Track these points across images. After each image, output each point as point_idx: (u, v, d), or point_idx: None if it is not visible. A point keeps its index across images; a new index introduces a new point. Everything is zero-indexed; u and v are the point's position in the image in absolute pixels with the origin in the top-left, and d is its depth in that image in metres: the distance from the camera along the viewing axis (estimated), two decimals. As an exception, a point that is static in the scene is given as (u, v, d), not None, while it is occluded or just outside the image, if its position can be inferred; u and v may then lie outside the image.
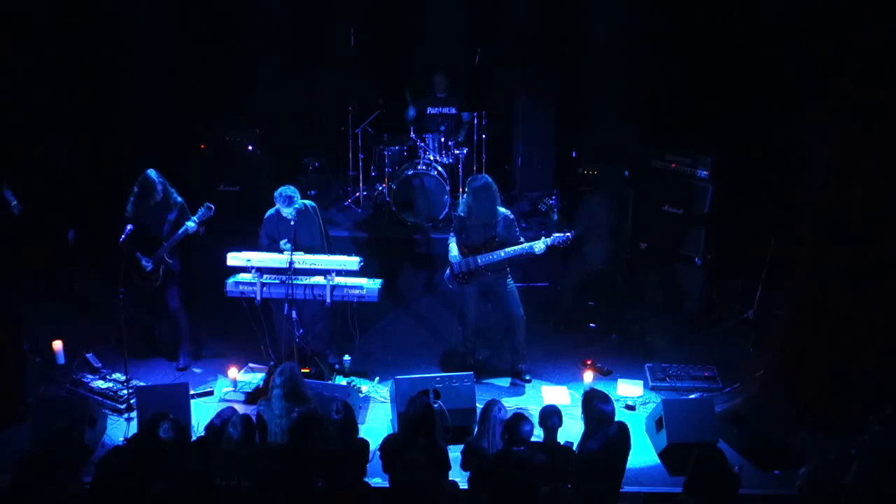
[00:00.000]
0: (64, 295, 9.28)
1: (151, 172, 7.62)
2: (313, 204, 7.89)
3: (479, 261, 7.62)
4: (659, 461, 6.85)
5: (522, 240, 7.62)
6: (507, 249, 7.54)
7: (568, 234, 7.53)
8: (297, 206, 7.56)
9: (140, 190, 7.58)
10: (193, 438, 6.54)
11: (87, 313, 8.93)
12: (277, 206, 7.57)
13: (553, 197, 9.96)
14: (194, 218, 7.65)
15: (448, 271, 7.83)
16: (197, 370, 8.14)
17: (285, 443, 5.97)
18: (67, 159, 9.52)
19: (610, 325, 8.88)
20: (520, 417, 5.84)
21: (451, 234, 7.82)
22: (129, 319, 7.68)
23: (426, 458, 5.50)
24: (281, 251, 7.49)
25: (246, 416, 5.88)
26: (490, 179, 7.65)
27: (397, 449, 5.83)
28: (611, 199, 8.74)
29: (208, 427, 6.27)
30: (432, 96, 10.21)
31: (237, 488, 5.44)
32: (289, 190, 7.56)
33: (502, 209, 7.68)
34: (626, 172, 9.49)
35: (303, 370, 7.17)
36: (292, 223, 7.55)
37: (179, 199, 7.79)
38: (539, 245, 7.48)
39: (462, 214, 7.75)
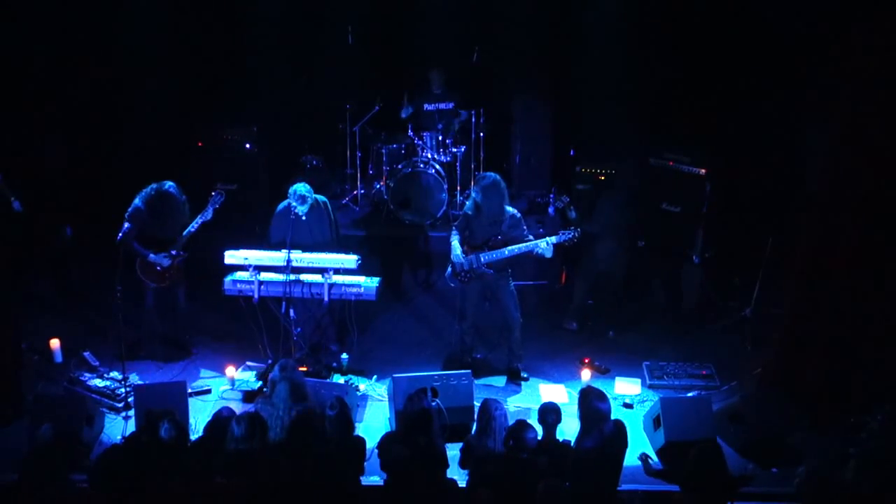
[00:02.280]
0: (61, 293, 9.27)
1: (172, 187, 7.65)
2: (324, 199, 7.94)
3: (482, 259, 7.61)
4: (657, 459, 6.85)
5: (531, 237, 7.60)
6: (510, 248, 7.53)
7: (574, 231, 7.52)
8: (310, 202, 7.63)
9: (165, 206, 7.64)
10: (192, 437, 6.55)
11: (85, 311, 8.93)
12: (290, 201, 7.60)
13: (563, 195, 9.93)
14: (209, 208, 7.70)
15: (449, 269, 7.81)
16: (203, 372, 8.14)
17: (285, 441, 5.97)
18: (65, 157, 9.51)
19: (608, 323, 8.88)
20: (523, 425, 5.84)
21: (454, 231, 7.79)
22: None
23: (422, 456, 5.52)
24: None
25: (250, 414, 5.87)
26: (498, 177, 7.62)
27: (394, 447, 5.82)
28: (626, 198, 8.77)
29: (208, 426, 6.24)
30: (429, 93, 10.20)
31: (237, 486, 5.44)
32: (303, 188, 7.62)
33: (510, 208, 7.68)
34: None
35: (301, 369, 7.17)
36: (304, 218, 7.64)
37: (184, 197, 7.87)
38: (543, 244, 7.47)
39: (469, 213, 7.73)
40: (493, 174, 7.69)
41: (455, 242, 7.69)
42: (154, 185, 7.69)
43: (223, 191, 7.76)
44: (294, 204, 7.57)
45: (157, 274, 7.86)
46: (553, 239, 7.50)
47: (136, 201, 7.68)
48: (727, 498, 5.41)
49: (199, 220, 7.71)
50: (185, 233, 7.74)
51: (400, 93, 10.32)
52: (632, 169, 9.35)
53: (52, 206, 9.12)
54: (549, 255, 7.53)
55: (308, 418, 5.85)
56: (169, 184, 7.68)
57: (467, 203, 7.91)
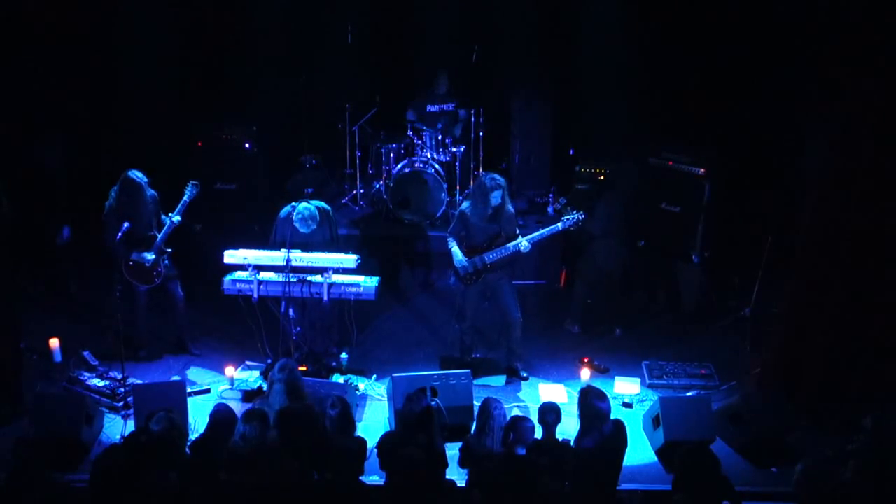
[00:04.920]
0: (60, 292, 9.27)
1: (134, 174, 7.59)
2: (327, 207, 7.86)
3: (486, 259, 7.62)
4: (656, 459, 6.85)
5: (519, 234, 7.62)
6: (513, 243, 7.54)
7: (577, 214, 7.56)
8: (313, 227, 7.57)
9: (125, 193, 7.58)
10: (191, 437, 6.54)
11: (84, 311, 8.92)
12: (295, 221, 7.53)
13: (561, 197, 9.94)
14: (184, 200, 7.62)
15: (453, 278, 7.82)
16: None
17: (272, 438, 5.94)
18: (63, 156, 9.51)
19: (611, 322, 8.89)
20: (520, 418, 5.84)
21: (451, 238, 7.79)
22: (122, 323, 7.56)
23: (422, 456, 5.51)
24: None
25: (258, 411, 5.85)
26: (495, 175, 7.62)
27: (394, 447, 5.82)
28: (626, 197, 8.79)
29: (210, 425, 6.21)
30: (432, 94, 10.20)
31: (240, 484, 5.42)
32: (308, 211, 7.51)
33: (509, 206, 7.69)
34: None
35: (300, 368, 7.17)
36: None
37: (153, 191, 7.80)
38: (524, 243, 7.49)
39: (466, 214, 7.70)
40: (493, 175, 7.71)
41: (455, 249, 7.70)
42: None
43: (198, 183, 7.66)
44: (297, 223, 7.52)
45: (143, 273, 7.80)
46: (559, 225, 7.52)
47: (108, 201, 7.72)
48: (722, 498, 5.39)
49: (177, 210, 7.63)
50: (165, 227, 7.67)
51: (400, 92, 10.33)
52: (630, 168, 9.36)
53: (50, 206, 9.11)
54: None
55: (292, 416, 5.81)
56: (132, 171, 7.64)
57: (464, 204, 7.91)
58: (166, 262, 7.89)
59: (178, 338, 8.31)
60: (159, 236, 7.72)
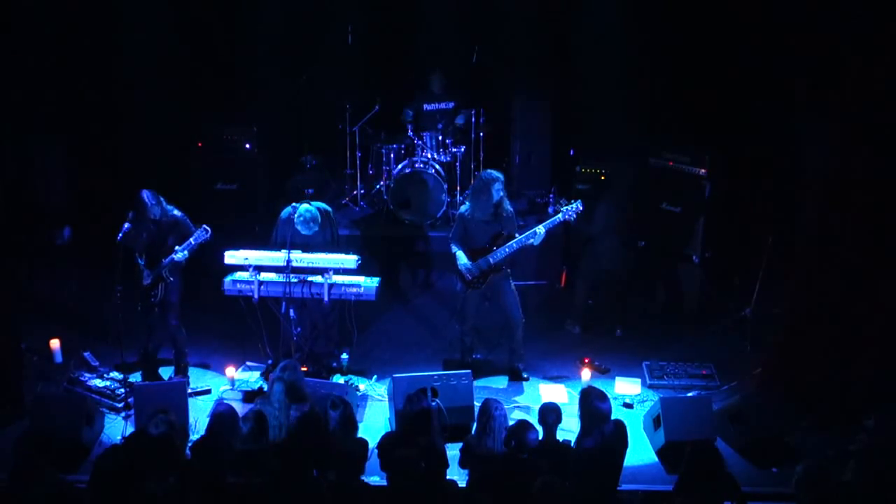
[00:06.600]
0: (61, 292, 9.26)
1: (144, 193, 7.36)
2: (327, 208, 7.84)
3: (490, 260, 7.62)
4: (657, 459, 6.85)
5: (516, 234, 7.63)
6: (518, 239, 7.53)
7: (576, 204, 7.56)
8: (315, 229, 7.54)
9: (134, 209, 7.35)
10: (192, 437, 6.53)
11: (85, 311, 8.92)
12: (296, 224, 7.50)
13: (562, 198, 9.92)
14: (191, 241, 7.38)
15: (459, 284, 7.81)
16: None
17: (285, 441, 5.95)
18: (64, 156, 9.51)
19: (612, 322, 8.89)
20: (525, 425, 5.85)
21: (452, 243, 7.77)
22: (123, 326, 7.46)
23: (423, 456, 5.52)
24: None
25: (256, 412, 5.85)
26: (494, 174, 7.60)
27: (395, 447, 5.82)
28: (623, 198, 8.79)
29: (211, 424, 6.21)
30: (429, 93, 10.20)
31: (247, 485, 5.42)
32: (310, 213, 7.48)
33: (507, 205, 7.69)
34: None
35: (301, 368, 7.17)
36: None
37: (178, 213, 7.52)
38: (540, 230, 7.48)
39: (465, 216, 7.70)
40: (490, 171, 7.68)
41: (459, 253, 7.68)
42: None
43: (209, 228, 7.37)
44: (298, 225, 7.50)
45: (141, 291, 7.56)
46: (559, 216, 7.55)
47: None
48: (725, 498, 5.40)
49: (183, 247, 7.34)
50: (168, 257, 7.39)
51: (400, 92, 10.33)
52: (627, 168, 9.36)
53: (51, 206, 9.11)
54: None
55: (312, 420, 5.83)
56: (142, 191, 7.40)
57: (462, 207, 7.90)
58: (171, 287, 7.58)
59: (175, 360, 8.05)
60: (163, 262, 7.44)
